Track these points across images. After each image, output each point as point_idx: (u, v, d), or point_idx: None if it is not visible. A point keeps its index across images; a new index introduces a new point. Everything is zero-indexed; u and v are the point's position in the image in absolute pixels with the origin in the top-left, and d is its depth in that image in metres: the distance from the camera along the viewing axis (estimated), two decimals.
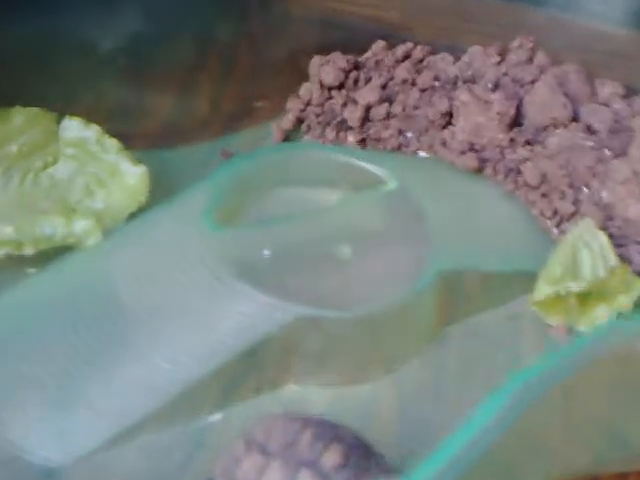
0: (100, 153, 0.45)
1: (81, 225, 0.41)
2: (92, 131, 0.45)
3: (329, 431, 0.32)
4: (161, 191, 0.45)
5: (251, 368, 0.38)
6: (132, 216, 0.43)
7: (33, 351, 0.38)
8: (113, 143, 0.45)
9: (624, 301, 0.43)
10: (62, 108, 0.47)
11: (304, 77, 0.54)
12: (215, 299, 0.38)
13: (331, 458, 0.31)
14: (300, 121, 0.53)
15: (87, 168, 0.45)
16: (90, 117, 0.47)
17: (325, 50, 0.54)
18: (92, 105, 0.52)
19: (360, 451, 0.32)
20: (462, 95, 0.50)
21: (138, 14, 0.57)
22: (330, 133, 0.52)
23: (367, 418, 0.38)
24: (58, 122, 0.46)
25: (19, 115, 0.45)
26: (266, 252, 0.40)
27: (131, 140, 0.47)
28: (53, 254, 0.42)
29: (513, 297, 0.44)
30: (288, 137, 0.53)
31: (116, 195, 0.44)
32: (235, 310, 0.37)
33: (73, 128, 0.45)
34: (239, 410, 0.38)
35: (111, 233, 0.42)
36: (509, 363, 0.41)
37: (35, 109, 0.46)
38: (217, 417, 0.37)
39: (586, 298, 0.43)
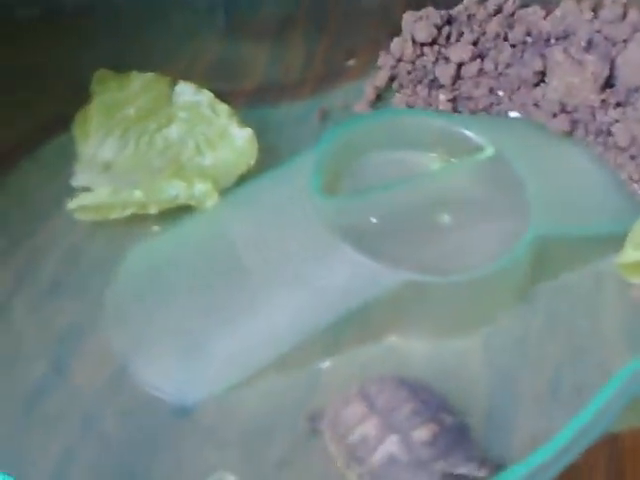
0: (211, 117, 0.48)
1: (200, 188, 0.44)
2: (204, 96, 0.48)
3: (430, 410, 0.36)
4: (265, 151, 0.48)
5: (357, 323, 0.41)
6: (242, 178, 0.47)
7: (166, 303, 0.43)
8: (224, 108, 0.48)
9: None
10: (161, 65, 0.51)
11: (395, 31, 0.55)
12: (326, 263, 0.41)
13: (421, 434, 0.35)
14: (392, 78, 0.55)
15: (198, 130, 0.48)
16: (187, 75, 0.50)
17: (415, 3, 0.55)
18: (189, 63, 0.55)
19: (453, 435, 0.36)
20: (557, 55, 0.51)
21: None
22: (422, 91, 0.54)
23: (459, 369, 0.42)
24: (172, 86, 0.49)
25: (136, 80, 0.49)
26: (373, 220, 0.44)
27: (228, 98, 0.50)
28: (174, 213, 0.46)
29: (598, 257, 0.46)
30: (380, 95, 0.55)
31: (225, 155, 0.47)
32: (345, 274, 0.41)
33: (186, 92, 0.48)
34: (345, 358, 0.42)
35: (226, 196, 0.46)
36: (591, 321, 0.44)
37: (150, 74, 0.49)
38: (326, 364, 0.41)
39: None
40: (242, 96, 0.53)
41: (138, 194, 0.43)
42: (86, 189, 0.46)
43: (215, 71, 0.54)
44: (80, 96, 0.49)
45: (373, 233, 0.43)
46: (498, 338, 0.43)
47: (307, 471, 0.38)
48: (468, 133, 0.48)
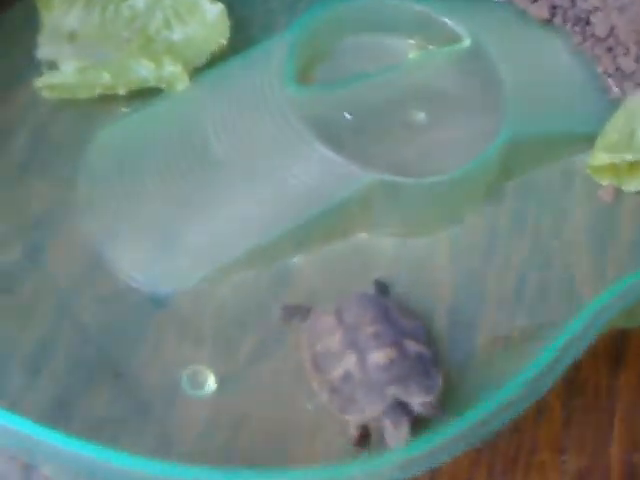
0: None
1: (170, 70, 0.43)
2: None
3: (394, 334, 0.37)
4: (237, 25, 0.46)
5: (327, 220, 0.42)
6: (214, 57, 0.45)
7: (137, 190, 0.42)
8: None
9: None
10: None
11: None
12: (297, 159, 0.41)
13: (378, 357, 0.36)
14: None
15: (166, 2, 0.46)
16: None
17: None
18: None
19: (410, 363, 0.36)
20: None
21: None
22: None
23: (425, 266, 0.43)
24: None
25: None
26: (347, 115, 0.43)
27: None
28: (144, 94, 0.44)
29: (568, 155, 0.47)
30: None
31: (195, 31, 0.46)
32: (316, 171, 0.41)
33: None
34: (314, 254, 0.42)
35: (197, 77, 0.44)
36: (557, 222, 0.45)
37: None
38: (296, 259, 0.42)
39: (635, 162, 0.46)
40: None
41: (106, 76, 0.42)
42: (51, 62, 0.44)
43: None
44: None
45: (346, 129, 0.43)
46: (465, 237, 0.44)
47: (279, 364, 0.39)
48: (448, 21, 0.46)
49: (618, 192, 0.46)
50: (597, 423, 0.43)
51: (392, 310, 0.39)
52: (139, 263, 0.41)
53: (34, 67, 0.44)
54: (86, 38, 0.45)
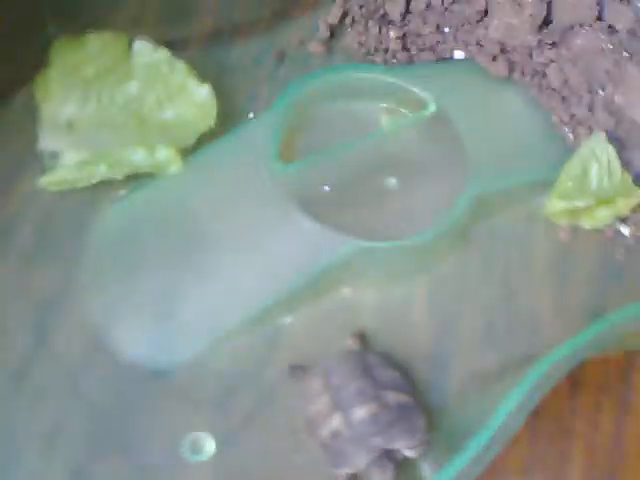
0: (169, 74, 0.49)
1: (163, 154, 0.47)
2: (162, 54, 0.49)
3: (375, 388, 0.41)
4: (223, 98, 0.50)
5: (312, 282, 0.46)
6: (203, 137, 0.49)
7: (135, 269, 0.46)
8: (181, 65, 0.49)
9: (623, 206, 0.50)
10: (109, 17, 0.52)
11: None
12: (283, 231, 0.45)
13: (361, 413, 0.40)
14: (345, 14, 0.56)
15: (157, 86, 0.49)
16: (137, 24, 0.51)
17: None
18: (138, 12, 0.55)
19: (393, 413, 0.40)
20: None
21: None
22: (373, 28, 0.55)
23: (404, 315, 0.47)
24: (129, 44, 0.50)
25: (94, 41, 0.49)
26: (326, 188, 0.47)
27: (184, 43, 0.52)
28: (140, 176, 0.48)
29: (530, 200, 0.51)
30: (334, 32, 0.56)
31: (185, 111, 0.49)
32: (300, 241, 0.45)
33: (144, 51, 0.49)
34: (303, 314, 0.46)
35: (187, 159, 0.48)
36: (523, 262, 0.49)
37: (107, 34, 0.49)
38: (287, 321, 0.46)
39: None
40: (196, 40, 0.54)
41: (103, 169, 0.46)
42: (52, 153, 0.48)
43: (165, 17, 0.55)
44: (38, 59, 0.49)
45: (326, 200, 0.47)
46: (439, 283, 0.48)
47: (273, 423, 0.43)
48: (414, 89, 0.51)
49: (576, 229, 0.51)
50: (559, 442, 0.47)
51: (373, 364, 0.43)
52: (139, 340, 0.45)
53: (35, 158, 0.48)
54: (83, 126, 0.48)
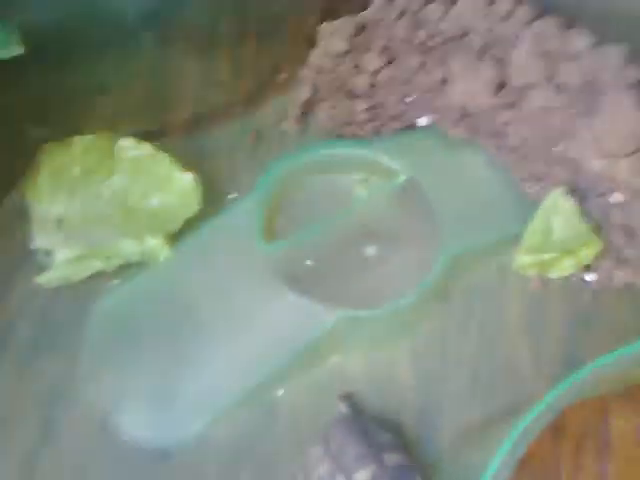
0: (153, 167, 0.52)
1: (151, 244, 0.50)
2: (145, 149, 0.52)
3: (373, 451, 0.43)
4: (206, 182, 0.53)
5: (304, 354, 0.48)
6: (189, 220, 0.52)
7: (133, 356, 0.49)
8: (164, 157, 0.53)
9: (585, 256, 0.54)
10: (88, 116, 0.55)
11: (312, 41, 0.59)
12: (272, 308, 0.49)
13: (361, 476, 0.42)
14: (315, 91, 0.59)
15: (141, 178, 0.53)
16: (117, 119, 0.54)
17: (329, 12, 0.60)
18: (116, 108, 0.58)
19: (392, 473, 0.43)
20: (454, 64, 0.57)
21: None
22: (342, 102, 0.58)
23: (391, 377, 0.50)
24: (113, 142, 0.53)
25: (78, 143, 0.52)
26: (308, 262, 0.50)
27: (164, 131, 0.55)
28: (130, 266, 0.51)
29: (499, 255, 0.54)
30: (306, 109, 0.59)
31: (170, 198, 0.52)
32: (289, 317, 0.48)
33: (127, 147, 0.52)
34: (297, 384, 0.49)
35: (175, 246, 0.51)
36: (498, 315, 0.52)
37: (90, 136, 0.53)
38: (281, 392, 0.49)
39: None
40: (176, 127, 0.57)
41: (97, 263, 0.48)
42: (46, 251, 0.51)
43: (145, 110, 0.58)
44: (25, 164, 0.52)
45: (310, 274, 0.50)
46: (422, 342, 0.51)
47: None
48: (384, 160, 0.54)
49: (545, 280, 0.54)
50: None
51: (367, 427, 0.45)
52: (143, 423, 0.47)
53: (30, 256, 0.51)
54: (73, 223, 0.51)
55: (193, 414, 0.48)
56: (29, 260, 0.51)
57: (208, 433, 0.47)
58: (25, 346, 0.50)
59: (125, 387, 0.48)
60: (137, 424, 0.47)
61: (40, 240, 0.51)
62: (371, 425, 0.46)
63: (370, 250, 0.52)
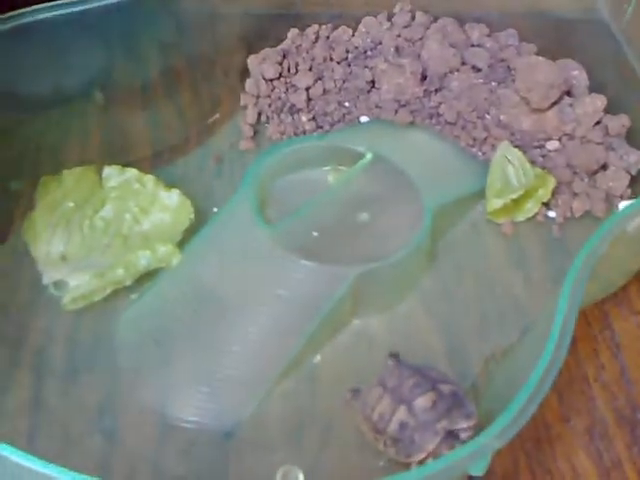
0: (140, 189, 0.55)
1: (164, 251, 0.51)
2: (130, 173, 0.55)
3: (428, 382, 0.46)
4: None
5: (329, 319, 0.51)
6: (187, 232, 0.54)
7: (173, 352, 0.50)
8: (150, 178, 0.55)
9: (544, 193, 0.60)
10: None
11: (244, 74, 0.65)
12: (291, 279, 0.51)
13: (422, 402, 0.45)
14: (259, 113, 0.65)
15: (130, 204, 0.55)
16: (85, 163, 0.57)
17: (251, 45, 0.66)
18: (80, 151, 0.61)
19: (449, 400, 0.45)
20: (381, 65, 0.64)
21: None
22: (287, 118, 0.64)
23: (411, 328, 0.53)
24: (99, 172, 0.55)
25: (69, 176, 0.54)
26: (315, 233, 0.54)
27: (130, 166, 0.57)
28: (144, 278, 0.52)
29: (469, 211, 0.60)
30: (256, 129, 0.64)
31: (161, 218, 0.55)
32: (309, 283, 0.51)
33: (113, 174, 0.55)
34: (329, 350, 0.51)
35: (185, 249, 0.53)
36: (483, 261, 0.57)
37: (79, 168, 0.55)
38: (317, 359, 0.51)
39: (517, 198, 0.60)
40: (140, 163, 0.59)
41: (120, 272, 0.49)
42: (57, 283, 0.51)
43: (106, 153, 0.60)
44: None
45: (318, 243, 0.54)
46: (429, 295, 0.55)
47: (345, 443, 0.47)
48: (348, 146, 0.59)
49: (515, 224, 0.60)
50: None
51: (415, 367, 0.48)
52: (200, 410, 0.48)
53: (44, 291, 0.51)
54: (75, 256, 0.52)
55: (245, 394, 0.48)
56: (44, 295, 0.51)
57: (262, 408, 0.48)
58: (65, 368, 0.50)
59: (172, 381, 0.48)
60: (196, 411, 0.47)
61: (49, 275, 0.51)
62: (416, 366, 0.48)
63: (363, 216, 0.56)
